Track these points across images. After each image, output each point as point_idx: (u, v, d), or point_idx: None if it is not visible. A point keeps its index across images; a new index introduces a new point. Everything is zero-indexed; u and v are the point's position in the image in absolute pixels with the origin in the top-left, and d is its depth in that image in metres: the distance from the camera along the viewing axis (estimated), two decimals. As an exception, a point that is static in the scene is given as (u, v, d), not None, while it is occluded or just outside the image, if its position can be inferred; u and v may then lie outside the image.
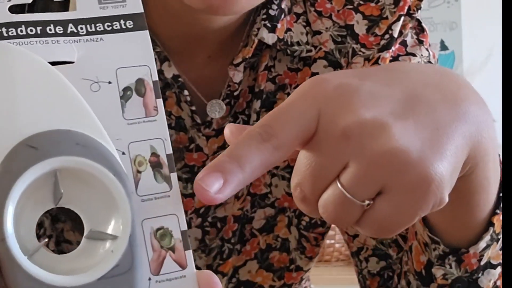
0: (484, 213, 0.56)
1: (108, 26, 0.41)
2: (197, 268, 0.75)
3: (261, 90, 0.70)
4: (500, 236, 0.58)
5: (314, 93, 0.44)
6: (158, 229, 0.39)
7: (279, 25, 0.69)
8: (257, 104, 0.70)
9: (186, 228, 0.40)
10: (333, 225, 0.79)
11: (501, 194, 0.56)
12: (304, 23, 0.71)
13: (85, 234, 0.38)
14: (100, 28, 0.41)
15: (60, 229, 0.73)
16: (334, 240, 1.99)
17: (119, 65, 0.40)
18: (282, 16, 0.69)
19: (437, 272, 0.60)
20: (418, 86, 0.46)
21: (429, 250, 0.60)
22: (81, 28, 0.41)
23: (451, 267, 0.59)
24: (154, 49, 0.68)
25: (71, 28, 0.40)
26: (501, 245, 0.59)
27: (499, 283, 0.61)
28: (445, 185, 0.43)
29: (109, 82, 0.40)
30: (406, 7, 0.70)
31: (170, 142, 0.41)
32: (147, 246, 0.39)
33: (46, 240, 0.38)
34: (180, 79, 0.68)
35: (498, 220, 0.57)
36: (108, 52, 0.40)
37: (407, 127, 0.43)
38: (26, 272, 0.35)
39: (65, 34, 0.40)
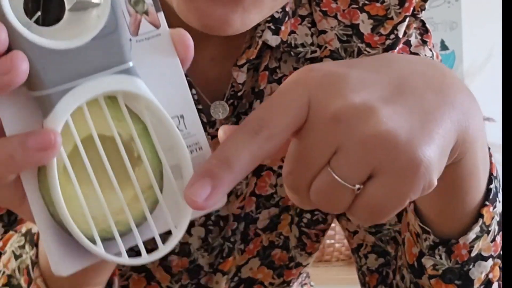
0: (474, 203, 0.57)
1: None
2: (199, 267, 0.76)
3: (261, 90, 0.71)
4: (491, 228, 0.58)
5: (304, 81, 0.45)
6: None
7: (283, 28, 0.69)
8: (257, 104, 0.71)
9: None
10: (332, 225, 0.79)
11: (490, 186, 0.57)
12: (310, 25, 0.71)
13: (68, 7, 0.42)
14: None
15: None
16: (334, 240, 1.99)
17: None
18: (286, 18, 0.70)
19: (427, 262, 0.61)
20: (406, 74, 0.46)
21: (421, 241, 0.61)
22: None
23: (441, 258, 0.60)
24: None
25: None
26: (492, 237, 0.59)
27: (491, 276, 0.61)
28: (433, 167, 0.43)
29: None
30: (411, 8, 0.71)
31: None
32: (124, 12, 0.43)
33: (39, 13, 0.42)
34: (187, 78, 0.68)
35: (487, 211, 0.57)
36: None
37: (396, 110, 0.43)
38: (28, 40, 0.40)
39: None
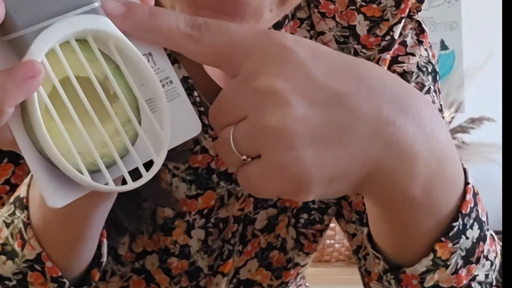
0: (423, 237, 0.53)
1: None
2: (199, 269, 0.76)
3: None
4: (450, 263, 0.54)
5: (265, 39, 0.46)
6: None
7: (283, 31, 0.69)
8: None
9: None
10: (332, 225, 0.79)
11: (454, 224, 0.53)
12: (308, 27, 0.71)
13: None
14: None
15: None
16: (334, 240, 1.99)
17: None
18: (286, 21, 0.70)
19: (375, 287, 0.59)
20: (354, 88, 0.45)
21: (376, 264, 0.59)
22: None
23: (390, 284, 0.57)
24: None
25: None
26: (453, 270, 0.55)
27: None
28: (311, 184, 0.45)
29: None
30: (407, 10, 0.71)
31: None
32: None
33: None
34: (189, 80, 0.68)
35: (443, 247, 0.53)
36: None
37: (310, 116, 0.44)
38: None
39: None
